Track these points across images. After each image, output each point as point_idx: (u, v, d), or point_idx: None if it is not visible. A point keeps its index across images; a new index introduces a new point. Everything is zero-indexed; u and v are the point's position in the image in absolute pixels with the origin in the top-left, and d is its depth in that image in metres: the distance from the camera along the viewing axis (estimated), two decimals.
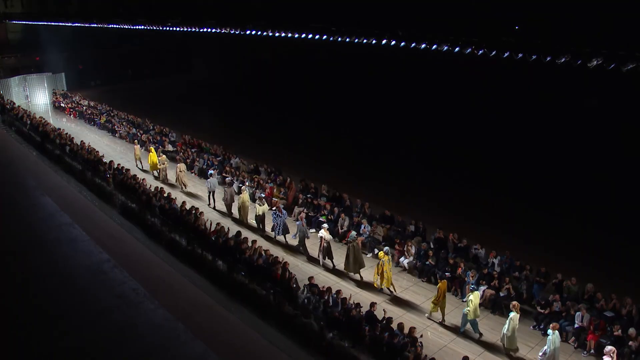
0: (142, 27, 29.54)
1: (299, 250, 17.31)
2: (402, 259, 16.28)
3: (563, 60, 11.37)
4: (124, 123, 32.21)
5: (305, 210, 19.09)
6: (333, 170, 25.22)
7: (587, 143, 26.40)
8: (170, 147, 27.49)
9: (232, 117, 37.51)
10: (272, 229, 18.14)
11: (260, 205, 18.62)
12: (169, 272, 16.04)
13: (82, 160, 23.69)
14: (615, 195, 20.93)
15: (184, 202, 18.39)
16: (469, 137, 29.76)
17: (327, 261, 16.44)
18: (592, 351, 12.37)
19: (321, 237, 16.27)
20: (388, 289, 14.96)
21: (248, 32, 21.05)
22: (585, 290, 13.64)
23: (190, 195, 21.94)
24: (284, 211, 18.08)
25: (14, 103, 37.43)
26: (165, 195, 18.98)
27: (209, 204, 20.85)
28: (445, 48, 13.80)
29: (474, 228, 18.15)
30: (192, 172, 24.38)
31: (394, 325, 12.02)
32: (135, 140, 27.14)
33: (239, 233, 16.23)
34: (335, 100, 39.85)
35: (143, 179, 20.66)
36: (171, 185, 22.77)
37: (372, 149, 29.70)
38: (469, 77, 33.39)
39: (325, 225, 16.67)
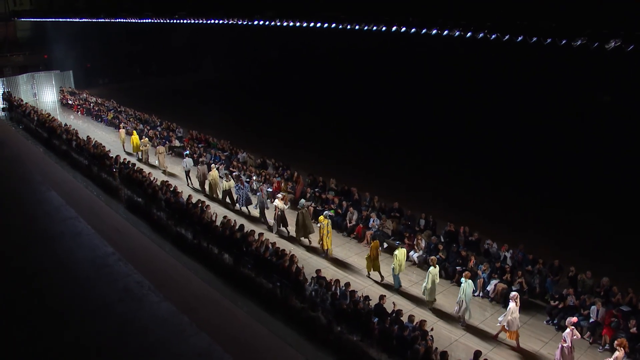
0: (149, 20, 29.39)
1: (261, 220, 18.62)
2: (411, 252, 15.93)
3: (579, 42, 10.97)
4: (131, 119, 32.11)
5: (312, 205, 18.87)
6: (342, 165, 24.99)
7: (601, 138, 25.93)
8: (177, 143, 27.34)
9: (239, 113, 37.30)
10: (237, 201, 19.51)
11: (227, 181, 19.96)
12: (174, 266, 15.83)
13: (89, 155, 23.60)
14: (629, 190, 20.49)
15: (190, 196, 18.27)
16: (480, 132, 29.35)
17: (282, 229, 17.76)
18: (607, 346, 11.99)
19: (275, 205, 17.51)
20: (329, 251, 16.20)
21: (256, 22, 20.82)
22: (601, 284, 13.24)
23: (171, 175, 23.63)
24: (246, 184, 19.69)
25: (22, 100, 37.47)
26: (172, 189, 18.80)
27: (188, 184, 22.34)
28: (457, 33, 13.40)
29: (485, 223, 17.76)
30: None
31: (405, 318, 11.72)
32: (121, 125, 28.87)
33: (242, 226, 16.04)
34: (343, 95, 39.60)
35: (149, 173, 20.50)
36: (152, 166, 24.53)
37: (382, 143, 29.37)
38: (479, 73, 33.07)
39: (280, 195, 18.15)
